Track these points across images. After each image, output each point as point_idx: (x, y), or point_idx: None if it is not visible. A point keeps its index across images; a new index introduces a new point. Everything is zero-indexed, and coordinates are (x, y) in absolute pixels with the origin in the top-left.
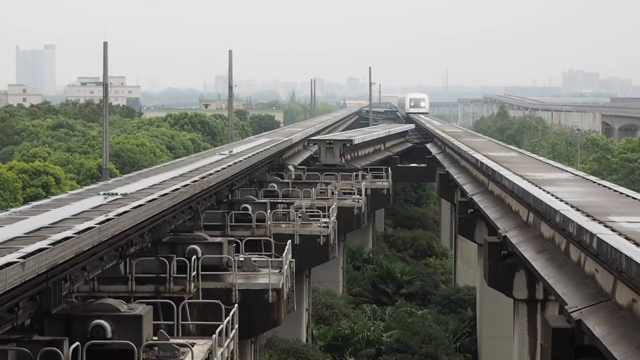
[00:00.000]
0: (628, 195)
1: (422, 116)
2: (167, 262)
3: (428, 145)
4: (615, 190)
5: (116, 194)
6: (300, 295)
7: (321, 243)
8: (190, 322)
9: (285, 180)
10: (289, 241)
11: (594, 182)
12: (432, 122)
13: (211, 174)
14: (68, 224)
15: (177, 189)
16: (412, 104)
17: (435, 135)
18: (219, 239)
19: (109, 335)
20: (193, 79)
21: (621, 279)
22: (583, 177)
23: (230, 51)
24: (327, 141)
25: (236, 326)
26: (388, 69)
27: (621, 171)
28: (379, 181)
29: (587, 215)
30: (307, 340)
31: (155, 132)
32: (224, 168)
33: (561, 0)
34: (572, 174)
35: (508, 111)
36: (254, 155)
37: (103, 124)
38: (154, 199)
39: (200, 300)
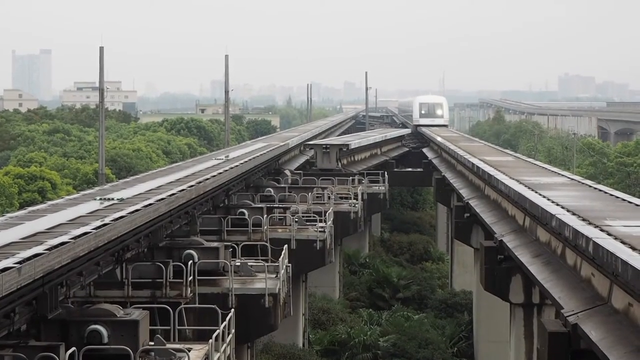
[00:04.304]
0: (624, 200)
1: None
2: (163, 267)
3: (424, 150)
4: (611, 195)
5: (112, 199)
6: (296, 300)
7: (318, 248)
8: (186, 327)
9: (282, 185)
10: (286, 246)
11: (590, 186)
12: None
13: (207, 179)
14: (64, 229)
15: (173, 194)
16: (423, 112)
17: (431, 139)
18: (215, 244)
19: (106, 340)
20: (189, 84)
21: (617, 283)
22: (579, 181)
23: (226, 56)
24: (324, 146)
25: (233, 331)
26: (384, 74)
27: (617, 175)
28: (376, 186)
29: (583, 220)
30: (303, 345)
31: (151, 137)
32: (220, 173)
33: (557, 5)
34: (568, 178)
35: (504, 115)
36: (250, 160)
37: (99, 129)
38: (150, 204)
39: (197, 305)
